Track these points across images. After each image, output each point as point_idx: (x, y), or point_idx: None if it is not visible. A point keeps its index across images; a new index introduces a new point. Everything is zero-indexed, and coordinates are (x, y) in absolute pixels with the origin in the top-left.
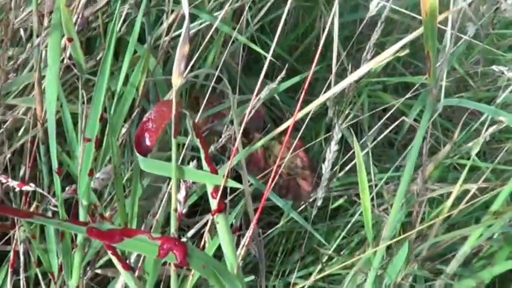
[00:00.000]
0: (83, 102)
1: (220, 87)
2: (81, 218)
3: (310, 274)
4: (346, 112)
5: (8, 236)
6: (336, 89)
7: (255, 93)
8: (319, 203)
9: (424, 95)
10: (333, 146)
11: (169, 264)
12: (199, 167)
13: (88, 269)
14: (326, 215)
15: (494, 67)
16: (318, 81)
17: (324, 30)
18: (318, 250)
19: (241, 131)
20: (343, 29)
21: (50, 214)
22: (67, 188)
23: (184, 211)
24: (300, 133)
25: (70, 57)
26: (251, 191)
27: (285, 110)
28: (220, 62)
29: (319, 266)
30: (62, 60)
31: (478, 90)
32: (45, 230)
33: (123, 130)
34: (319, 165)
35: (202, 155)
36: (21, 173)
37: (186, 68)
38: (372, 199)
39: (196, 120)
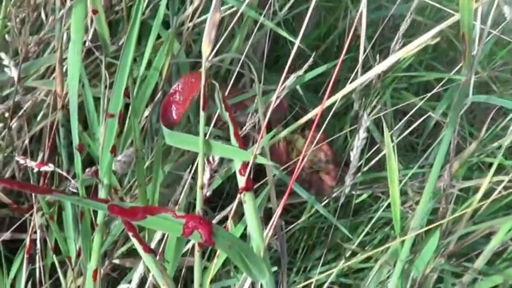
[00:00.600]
0: (106, 84)
1: (244, 74)
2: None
3: (332, 270)
4: (373, 104)
5: (22, 220)
6: (362, 79)
7: (280, 82)
8: (347, 190)
9: (450, 92)
10: (362, 134)
11: (190, 254)
12: None
13: (106, 259)
14: (349, 211)
15: None
16: (340, 82)
17: (350, 27)
18: (340, 247)
19: (267, 118)
20: (366, 29)
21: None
22: (87, 170)
23: (208, 194)
24: (324, 126)
25: (92, 40)
26: (274, 181)
27: (307, 105)
28: (246, 48)
29: (342, 261)
30: (84, 43)
31: (501, 94)
32: (62, 215)
33: (146, 113)
34: (343, 159)
35: (231, 130)
36: (40, 159)
37: (211, 52)
38: None
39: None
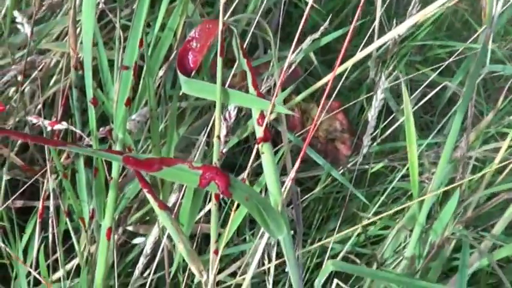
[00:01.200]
0: (120, 41)
1: (258, 45)
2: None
3: (348, 240)
4: (389, 70)
5: (34, 186)
6: (379, 42)
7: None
8: (364, 150)
9: (465, 63)
10: (379, 95)
11: (202, 221)
12: None
13: (120, 225)
14: (364, 181)
15: None
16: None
17: None
18: (355, 218)
19: (282, 76)
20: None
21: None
22: (101, 129)
23: (224, 150)
24: (340, 96)
25: (105, 2)
26: (290, 147)
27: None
28: (260, 10)
29: (358, 229)
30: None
31: None
32: (76, 179)
33: (160, 73)
34: (359, 129)
35: (249, 79)
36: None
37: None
38: None
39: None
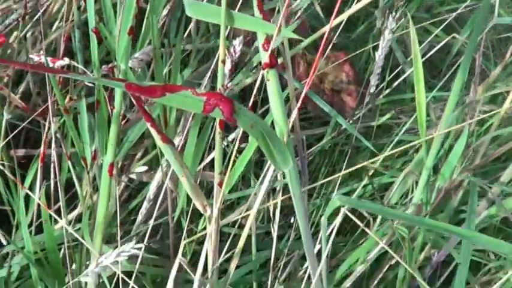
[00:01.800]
0: None
1: None
2: (118, 90)
3: (354, 192)
4: (397, 16)
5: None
6: None
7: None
8: (372, 89)
9: (474, 16)
10: (387, 35)
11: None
12: None
13: (123, 173)
14: (370, 133)
15: None
16: (360, 19)
17: None
18: (361, 172)
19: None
20: None
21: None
22: (104, 66)
23: (229, 85)
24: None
25: None
26: (295, 94)
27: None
28: None
29: (365, 180)
30: None
31: None
32: (78, 120)
33: (164, 12)
34: (364, 81)
35: (255, 2)
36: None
37: None
38: None
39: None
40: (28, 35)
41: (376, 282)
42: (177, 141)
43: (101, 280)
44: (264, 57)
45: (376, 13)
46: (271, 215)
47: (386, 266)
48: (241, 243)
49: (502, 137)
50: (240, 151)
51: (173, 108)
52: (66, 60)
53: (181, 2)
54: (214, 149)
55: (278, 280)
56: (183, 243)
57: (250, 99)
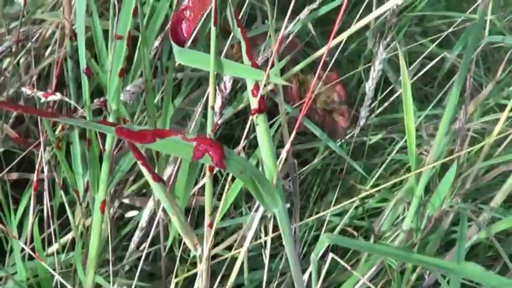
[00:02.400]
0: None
1: (256, 16)
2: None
3: (346, 212)
4: (387, 41)
5: (29, 159)
6: (378, 12)
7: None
8: (362, 122)
9: (465, 33)
10: (377, 65)
11: (198, 195)
12: None
13: (115, 198)
14: (362, 153)
15: None
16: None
17: None
18: (353, 192)
19: (275, 48)
20: None
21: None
22: (95, 100)
23: (220, 122)
24: (336, 66)
25: None
26: (287, 119)
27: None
28: None
29: (356, 202)
30: None
31: None
32: (70, 150)
33: (156, 43)
34: (357, 101)
35: (244, 48)
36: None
37: None
38: None
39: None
40: (21, 60)
41: None
42: (170, 170)
43: None
44: (253, 102)
45: (368, 34)
46: (262, 241)
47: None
48: (233, 277)
49: (497, 160)
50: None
51: None
52: (58, 96)
53: None
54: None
55: None
56: (174, 282)
57: (242, 121)
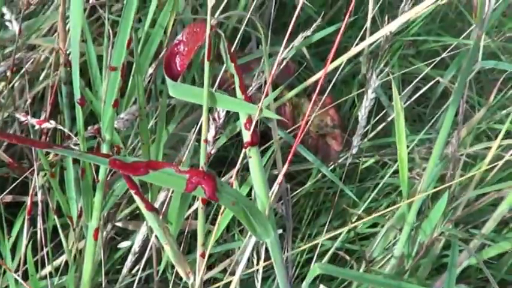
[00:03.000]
0: (109, 39)
1: (251, 38)
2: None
3: (338, 236)
4: (381, 65)
5: (23, 183)
6: (371, 39)
7: (285, 42)
8: (354, 150)
9: (458, 58)
10: (370, 94)
11: (194, 218)
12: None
13: (109, 222)
14: (355, 177)
15: None
16: (347, 48)
17: None
18: (345, 214)
19: (272, 74)
20: None
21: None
22: (89, 128)
23: (213, 151)
24: (331, 91)
25: None
26: (280, 144)
27: (316, 72)
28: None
29: (348, 226)
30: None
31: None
32: (64, 176)
33: (150, 71)
34: (350, 125)
35: (237, 82)
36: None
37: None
38: None
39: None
40: (16, 84)
41: None
42: (163, 196)
43: None
44: (246, 136)
45: (361, 59)
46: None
47: None
48: None
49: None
50: None
51: (158, 160)
52: (52, 123)
53: None
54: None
55: None
56: None
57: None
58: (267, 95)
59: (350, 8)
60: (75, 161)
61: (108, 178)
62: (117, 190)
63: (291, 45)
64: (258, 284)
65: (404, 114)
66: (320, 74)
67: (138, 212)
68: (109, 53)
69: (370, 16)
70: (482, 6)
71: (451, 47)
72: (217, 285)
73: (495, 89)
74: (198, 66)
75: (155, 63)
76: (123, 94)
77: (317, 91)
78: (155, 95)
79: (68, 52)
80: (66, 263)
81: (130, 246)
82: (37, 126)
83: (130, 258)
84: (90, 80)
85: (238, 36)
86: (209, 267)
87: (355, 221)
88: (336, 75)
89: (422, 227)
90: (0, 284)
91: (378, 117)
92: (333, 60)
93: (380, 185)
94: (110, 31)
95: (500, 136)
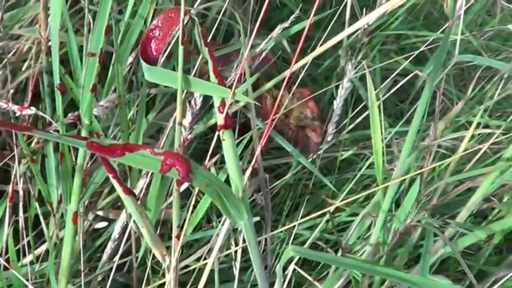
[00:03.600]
0: (89, 28)
1: (233, 34)
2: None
3: (317, 226)
4: (359, 58)
5: (5, 172)
6: (349, 31)
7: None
8: (329, 137)
9: (437, 51)
10: (346, 83)
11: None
12: None
13: (89, 210)
14: (334, 168)
15: (510, 26)
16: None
17: None
18: (325, 206)
19: (242, 65)
20: None
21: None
22: (69, 114)
23: (190, 137)
24: (311, 83)
25: None
26: (259, 134)
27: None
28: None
29: (326, 216)
30: None
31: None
32: (45, 162)
33: (130, 60)
34: (329, 117)
35: (211, 66)
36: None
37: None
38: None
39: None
40: None
41: None
42: (142, 183)
43: None
44: (220, 119)
45: (340, 52)
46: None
47: None
48: (201, 285)
49: (463, 175)
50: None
51: None
52: (33, 110)
53: None
54: None
55: None
56: None
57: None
58: (240, 78)
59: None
60: (56, 149)
61: (88, 166)
62: (96, 178)
63: (269, 36)
64: (236, 271)
65: (387, 110)
66: (296, 64)
67: (119, 204)
68: (89, 42)
69: (349, 7)
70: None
71: (429, 40)
72: (194, 266)
73: (472, 83)
74: (177, 57)
75: (135, 52)
76: (103, 84)
77: (286, 81)
78: (136, 85)
79: (49, 41)
80: (47, 252)
81: (111, 234)
82: (18, 113)
83: (110, 245)
84: (71, 71)
85: (222, 29)
86: (188, 257)
87: (334, 212)
88: (306, 66)
89: (397, 215)
90: None
91: (356, 110)
92: (309, 53)
93: (358, 176)
94: (91, 20)
95: (473, 125)
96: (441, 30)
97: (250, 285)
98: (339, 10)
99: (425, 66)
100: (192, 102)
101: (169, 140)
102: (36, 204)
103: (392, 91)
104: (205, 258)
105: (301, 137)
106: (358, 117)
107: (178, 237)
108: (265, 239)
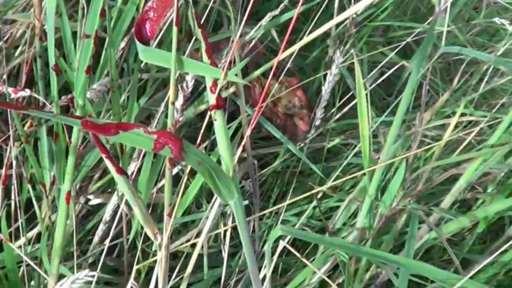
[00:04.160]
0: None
1: (223, 24)
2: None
3: (304, 212)
4: (347, 46)
5: None
6: (338, 19)
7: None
8: (317, 122)
9: (425, 42)
10: (334, 70)
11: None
12: None
13: (81, 194)
14: (321, 157)
15: (496, 19)
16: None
17: None
18: (313, 193)
19: (233, 49)
20: None
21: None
22: (63, 97)
23: (181, 119)
24: (299, 72)
25: None
26: (247, 120)
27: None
28: None
29: (313, 203)
30: None
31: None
32: (38, 147)
33: (122, 45)
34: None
35: (203, 47)
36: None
37: None
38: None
39: (193, 52)
40: None
41: None
42: (133, 166)
43: None
44: (212, 99)
45: (328, 42)
46: (222, 237)
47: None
48: (190, 267)
49: (447, 161)
50: (194, 173)
51: None
52: (27, 92)
53: None
54: None
55: None
56: (135, 268)
57: (208, 124)
58: (230, 65)
59: None
60: (49, 134)
61: (81, 149)
62: (88, 161)
63: (259, 24)
64: (225, 255)
65: (374, 103)
66: (284, 53)
67: (110, 190)
68: (83, 25)
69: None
70: None
71: (416, 32)
72: (185, 245)
73: (458, 74)
74: (170, 44)
75: (127, 38)
76: (96, 68)
77: (273, 69)
78: (127, 72)
79: (43, 25)
80: (39, 235)
81: (102, 217)
82: (13, 95)
83: (101, 228)
84: (64, 56)
85: (211, 19)
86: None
87: (321, 198)
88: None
89: (383, 200)
90: None
91: (344, 100)
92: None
93: (344, 163)
94: (85, 5)
95: (458, 113)
96: (427, 22)
97: (238, 270)
98: (327, 0)
99: (412, 57)
100: (184, 84)
101: (160, 125)
102: (29, 187)
103: (379, 81)
104: (194, 243)
105: (289, 125)
106: (345, 108)
107: (170, 215)
108: (253, 226)
